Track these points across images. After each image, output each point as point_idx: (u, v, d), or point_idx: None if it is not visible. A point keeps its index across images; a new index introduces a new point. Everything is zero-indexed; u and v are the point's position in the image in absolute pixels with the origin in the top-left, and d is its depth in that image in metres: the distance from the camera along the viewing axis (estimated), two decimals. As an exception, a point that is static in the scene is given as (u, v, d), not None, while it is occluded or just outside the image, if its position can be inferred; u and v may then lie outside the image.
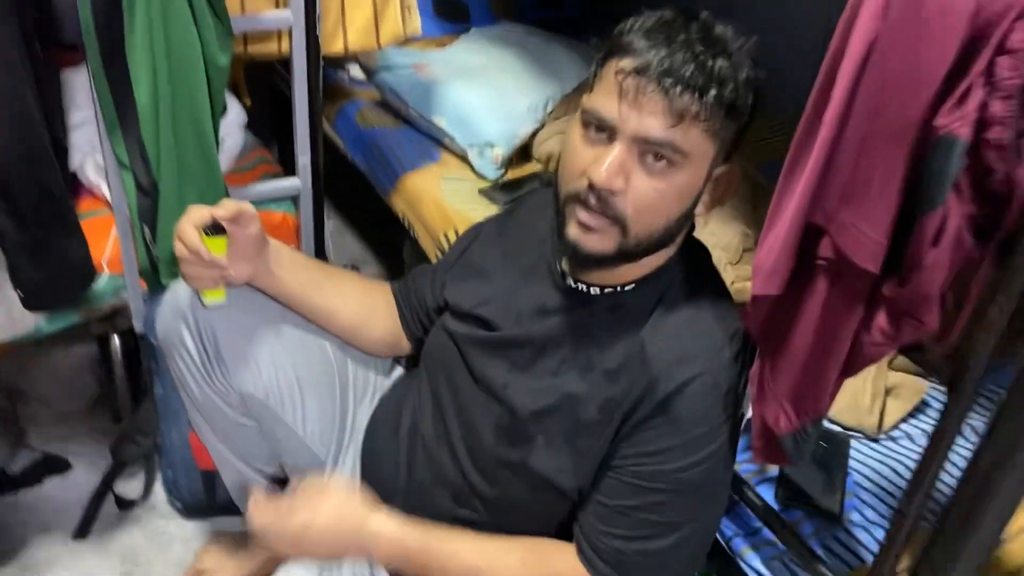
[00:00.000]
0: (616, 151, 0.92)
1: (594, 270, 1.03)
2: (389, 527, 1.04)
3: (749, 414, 1.06)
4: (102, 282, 1.45)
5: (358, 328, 1.26)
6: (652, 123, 0.90)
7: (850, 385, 1.30)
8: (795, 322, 0.86)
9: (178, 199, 1.34)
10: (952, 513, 0.82)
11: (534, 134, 1.78)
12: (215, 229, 1.06)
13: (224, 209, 1.06)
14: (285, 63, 1.47)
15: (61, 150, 1.29)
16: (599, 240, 0.96)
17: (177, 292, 1.20)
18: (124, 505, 1.57)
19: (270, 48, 1.45)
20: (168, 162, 1.31)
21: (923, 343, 0.81)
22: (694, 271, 1.05)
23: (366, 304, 1.26)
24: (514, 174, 1.75)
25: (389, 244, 2.19)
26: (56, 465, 1.63)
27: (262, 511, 1.05)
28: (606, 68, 0.95)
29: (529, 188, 1.67)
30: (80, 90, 1.55)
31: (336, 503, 1.05)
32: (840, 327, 0.82)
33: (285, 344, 1.21)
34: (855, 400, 1.24)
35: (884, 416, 1.23)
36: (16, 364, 1.68)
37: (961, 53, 0.69)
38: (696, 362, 0.97)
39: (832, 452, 1.17)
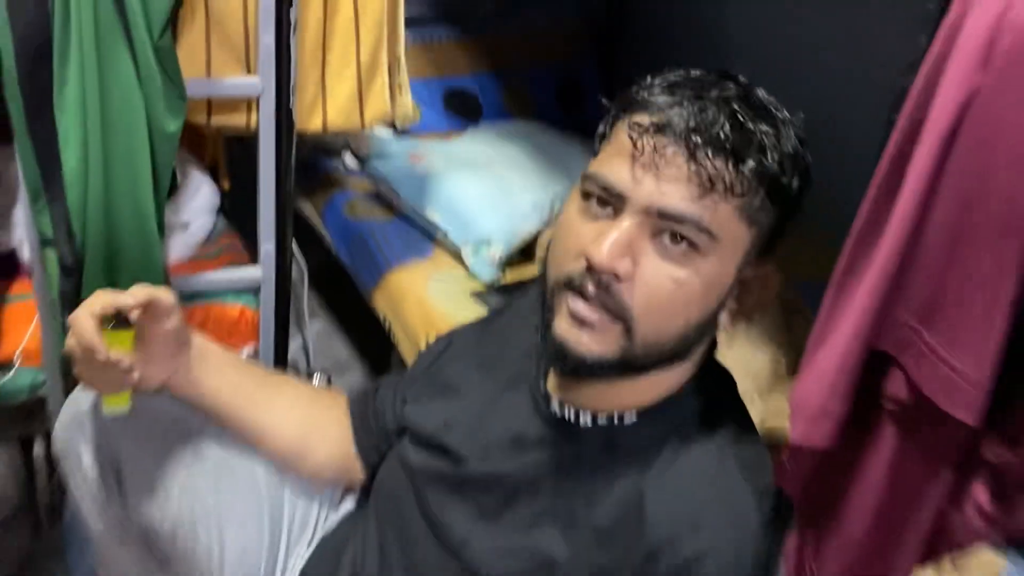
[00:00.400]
0: (624, 226, 0.71)
1: (586, 385, 0.80)
2: None
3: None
4: (17, 375, 1.25)
5: (298, 453, 1.02)
6: (672, 192, 0.70)
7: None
8: (851, 486, 0.62)
9: (106, 283, 1.14)
10: None
11: (538, 235, 1.58)
12: (120, 320, 0.84)
13: (131, 296, 0.85)
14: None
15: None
16: (596, 340, 0.74)
17: (78, 397, 0.98)
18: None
19: (237, 120, 1.28)
20: (96, 238, 1.12)
21: (1043, 532, 0.56)
22: (715, 404, 0.82)
23: (309, 422, 1.02)
24: (513, 277, 1.54)
25: (382, 349, 1.99)
26: (-51, 592, 1.38)
27: None
28: (617, 128, 0.75)
29: (530, 293, 1.46)
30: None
31: None
32: (918, 499, 0.58)
33: (203, 467, 0.97)
34: (917, 579, 0.97)
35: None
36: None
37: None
38: (713, 530, 0.73)
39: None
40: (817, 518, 0.65)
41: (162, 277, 1.19)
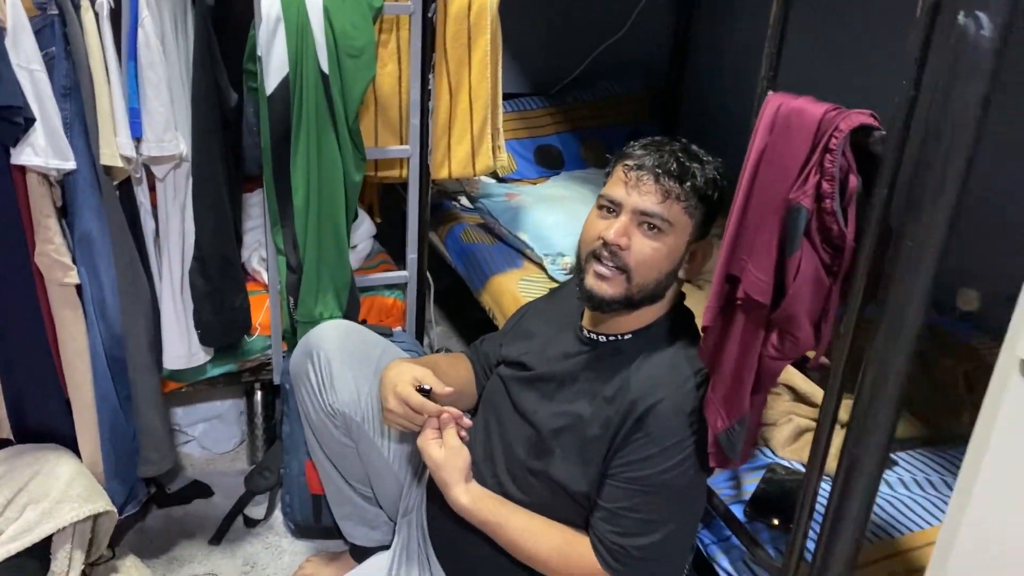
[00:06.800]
0: (622, 219, 1.31)
1: (604, 316, 1.38)
2: (464, 498, 1.37)
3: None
4: (255, 340, 1.92)
5: (458, 399, 1.63)
6: (648, 200, 1.29)
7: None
8: (726, 346, 1.19)
9: (316, 276, 1.81)
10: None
11: (600, 250, 2.18)
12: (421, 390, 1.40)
13: (434, 383, 1.40)
14: (405, 186, 1.96)
15: (239, 239, 1.79)
16: (610, 286, 1.32)
17: (308, 338, 1.64)
18: (250, 523, 1.97)
19: (394, 172, 1.95)
20: (311, 249, 1.79)
21: (806, 359, 1.12)
22: (678, 327, 1.40)
23: (460, 383, 1.59)
24: (581, 280, 2.13)
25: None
26: (202, 490, 2.05)
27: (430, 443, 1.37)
28: (615, 169, 1.35)
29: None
30: (253, 206, 2.08)
31: (440, 462, 1.36)
32: (751, 347, 1.15)
33: (381, 381, 1.61)
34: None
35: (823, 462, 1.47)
36: (188, 409, 2.16)
37: (809, 153, 1.05)
38: (664, 388, 1.30)
39: (797, 488, 1.43)
40: (714, 368, 1.21)
41: (350, 275, 1.85)
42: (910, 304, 0.97)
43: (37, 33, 1.36)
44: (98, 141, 1.43)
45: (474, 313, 2.37)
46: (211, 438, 2.18)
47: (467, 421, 1.40)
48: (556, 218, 2.20)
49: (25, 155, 1.38)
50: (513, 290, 2.09)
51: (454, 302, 2.72)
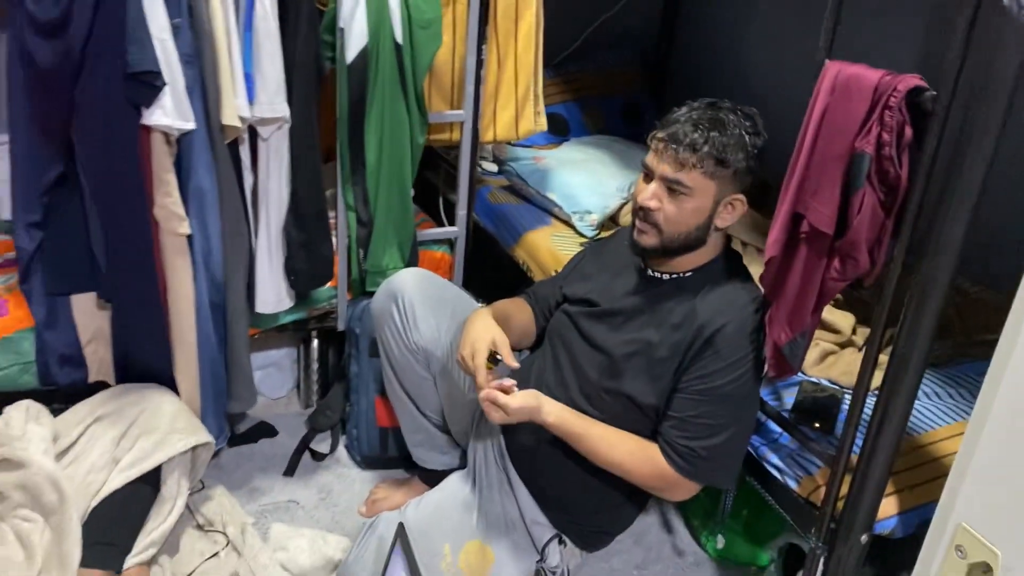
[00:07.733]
0: (653, 185, 1.53)
1: (652, 259, 1.61)
2: (551, 417, 1.59)
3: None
4: (322, 290, 2.09)
5: (523, 337, 1.84)
6: (667, 168, 1.51)
7: (848, 360, 1.83)
8: (789, 273, 1.43)
9: (384, 229, 1.99)
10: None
11: (621, 207, 2.40)
12: (493, 358, 1.60)
13: (506, 353, 1.61)
14: (435, 161, 2.13)
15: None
16: (647, 238, 1.56)
17: (390, 283, 1.83)
18: (317, 457, 2.16)
19: (444, 136, 2.13)
20: (381, 204, 1.97)
21: (861, 281, 1.37)
22: (732, 266, 1.63)
23: (523, 324, 1.82)
24: (605, 234, 2.36)
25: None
26: (267, 430, 2.22)
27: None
28: (652, 138, 1.57)
29: (617, 243, 2.26)
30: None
31: (513, 416, 1.57)
32: (813, 272, 1.39)
33: (460, 321, 1.80)
34: (850, 368, 1.77)
35: (871, 381, 1.74)
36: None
37: (869, 110, 1.28)
38: (728, 313, 1.53)
39: (831, 401, 1.69)
40: (777, 293, 1.45)
41: (413, 229, 2.03)
42: (953, 233, 1.22)
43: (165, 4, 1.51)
44: (219, 103, 1.59)
45: (491, 274, 2.54)
46: (267, 385, 2.35)
47: (508, 383, 1.58)
48: (581, 179, 2.42)
49: (155, 116, 1.53)
50: (548, 245, 2.30)
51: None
